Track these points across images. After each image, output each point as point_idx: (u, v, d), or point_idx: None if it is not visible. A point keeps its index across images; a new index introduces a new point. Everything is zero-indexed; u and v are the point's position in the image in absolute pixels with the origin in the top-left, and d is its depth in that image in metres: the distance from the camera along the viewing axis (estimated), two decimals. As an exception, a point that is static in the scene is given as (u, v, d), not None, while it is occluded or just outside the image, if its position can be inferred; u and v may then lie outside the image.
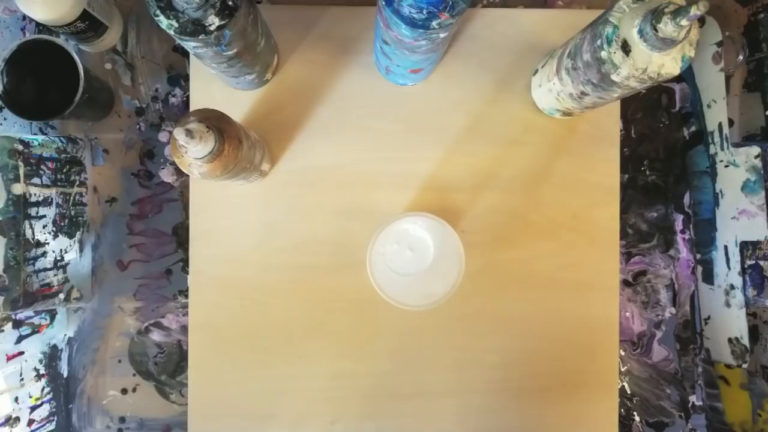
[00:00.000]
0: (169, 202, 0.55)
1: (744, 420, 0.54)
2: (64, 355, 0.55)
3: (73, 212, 0.53)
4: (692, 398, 0.56)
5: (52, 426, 0.54)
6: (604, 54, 0.38)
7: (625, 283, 0.56)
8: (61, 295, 0.52)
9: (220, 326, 0.53)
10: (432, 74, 0.54)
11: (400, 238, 0.46)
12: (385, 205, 0.53)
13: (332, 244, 0.53)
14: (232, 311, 0.53)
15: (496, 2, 0.56)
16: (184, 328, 0.55)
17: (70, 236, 0.53)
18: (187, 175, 0.54)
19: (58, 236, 0.52)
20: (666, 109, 0.57)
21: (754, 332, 0.54)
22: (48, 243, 0.51)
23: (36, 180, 0.49)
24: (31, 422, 0.52)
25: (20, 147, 0.49)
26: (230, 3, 0.37)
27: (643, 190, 0.57)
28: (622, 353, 0.56)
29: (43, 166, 0.50)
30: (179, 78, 0.55)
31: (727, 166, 0.55)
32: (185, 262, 0.55)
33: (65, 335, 0.55)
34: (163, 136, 0.55)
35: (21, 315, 0.52)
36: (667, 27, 0.34)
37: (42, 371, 0.54)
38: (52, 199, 0.51)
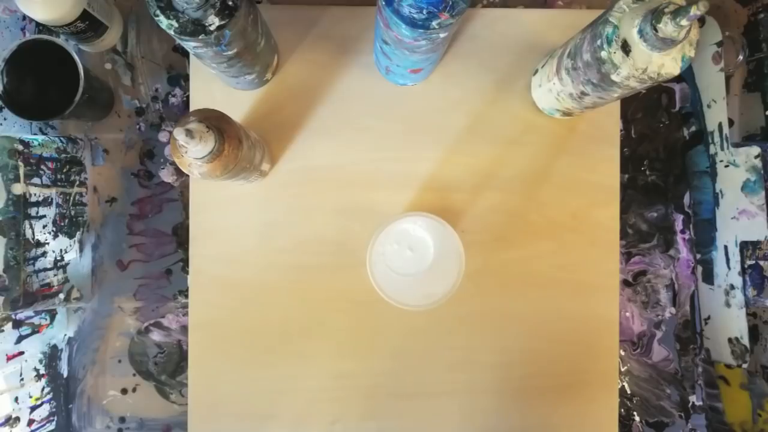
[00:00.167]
0: (169, 202, 0.55)
1: (744, 420, 0.54)
2: (64, 355, 0.55)
3: (73, 212, 0.53)
4: (692, 398, 0.56)
5: (52, 426, 0.54)
6: (604, 54, 0.38)
7: (625, 283, 0.56)
8: (61, 295, 0.52)
9: (220, 326, 0.53)
10: (432, 74, 0.54)
11: (400, 238, 0.46)
12: (385, 205, 0.53)
13: (332, 244, 0.53)
14: (232, 311, 0.53)
15: (496, 2, 0.56)
16: (184, 328, 0.55)
17: (70, 236, 0.53)
18: (187, 175, 0.54)
19: (58, 236, 0.52)
20: (666, 109, 0.57)
21: (754, 332, 0.54)
22: (48, 243, 0.51)
23: (36, 180, 0.49)
24: (31, 422, 0.52)
25: (20, 147, 0.49)
26: (230, 3, 0.37)
27: (643, 190, 0.57)
28: (622, 353, 0.56)
29: (43, 166, 0.50)
30: (179, 78, 0.55)
31: (727, 166, 0.55)
32: (185, 262, 0.55)
33: (65, 335, 0.55)
34: (163, 136, 0.55)
35: (21, 315, 0.52)
36: (667, 27, 0.34)
37: (42, 371, 0.54)
38: (52, 199, 0.51)
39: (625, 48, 0.37)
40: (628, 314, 0.56)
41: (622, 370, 0.56)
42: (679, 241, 0.57)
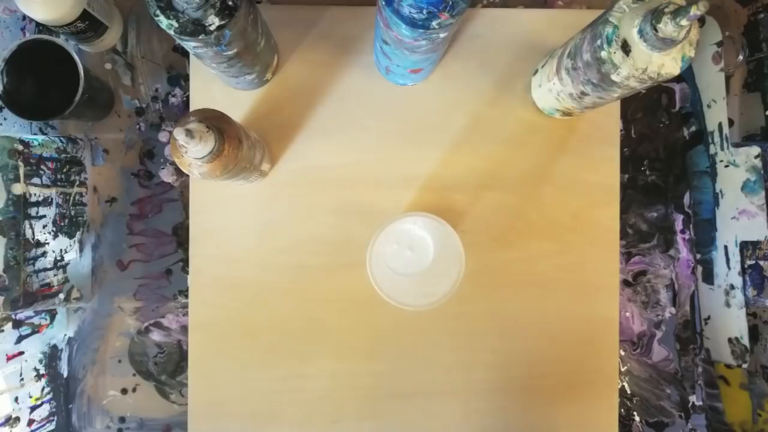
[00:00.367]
0: (169, 202, 0.55)
1: (744, 420, 0.54)
2: (64, 355, 0.55)
3: (73, 212, 0.53)
4: (692, 398, 0.56)
5: (52, 426, 0.54)
6: (604, 54, 0.38)
7: (625, 283, 0.56)
8: (61, 295, 0.52)
9: (220, 326, 0.53)
10: (432, 74, 0.54)
11: (400, 238, 0.46)
12: (385, 205, 0.53)
13: (332, 244, 0.53)
14: (232, 311, 0.53)
15: (496, 2, 0.56)
16: (184, 328, 0.55)
17: (70, 236, 0.53)
18: (187, 175, 0.54)
19: (58, 236, 0.52)
20: (666, 109, 0.57)
21: (754, 332, 0.54)
22: (48, 243, 0.51)
23: (36, 180, 0.49)
24: (31, 422, 0.52)
25: (20, 147, 0.49)
26: (230, 3, 0.37)
27: (643, 190, 0.57)
28: (622, 353, 0.56)
29: (43, 166, 0.50)
30: (179, 78, 0.55)
31: (727, 166, 0.55)
32: (185, 262, 0.55)
33: (65, 335, 0.55)
34: (163, 136, 0.55)
35: (21, 315, 0.52)
36: (667, 27, 0.34)
37: (42, 371, 0.54)
38: (52, 199, 0.51)
39: (625, 48, 0.37)
40: (628, 314, 0.56)
41: (622, 370, 0.56)
42: (679, 241, 0.57)
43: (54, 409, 0.54)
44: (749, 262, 0.53)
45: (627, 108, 0.56)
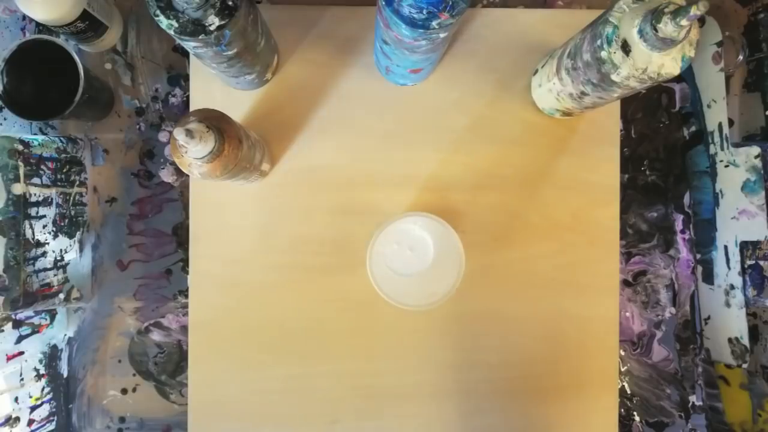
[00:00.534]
0: (169, 202, 0.55)
1: (744, 420, 0.54)
2: (64, 355, 0.55)
3: (73, 212, 0.53)
4: (692, 398, 0.56)
5: (52, 426, 0.54)
6: (604, 54, 0.38)
7: (625, 283, 0.56)
8: (61, 295, 0.52)
9: (220, 326, 0.53)
10: (432, 74, 0.54)
11: (400, 238, 0.46)
12: (385, 205, 0.53)
13: (332, 244, 0.53)
14: (232, 311, 0.53)
15: (496, 2, 0.56)
16: (184, 328, 0.55)
17: (70, 236, 0.53)
18: (187, 175, 0.54)
19: (58, 236, 0.52)
20: (666, 109, 0.57)
21: (754, 332, 0.54)
22: (48, 243, 0.51)
23: (36, 180, 0.49)
24: (31, 422, 0.52)
25: (20, 147, 0.49)
26: (230, 3, 0.37)
27: (643, 190, 0.57)
28: (622, 353, 0.56)
29: (43, 166, 0.50)
30: (179, 78, 0.55)
31: (727, 166, 0.55)
32: (185, 262, 0.55)
33: (65, 335, 0.55)
34: (163, 136, 0.55)
35: (21, 315, 0.52)
36: (667, 27, 0.34)
37: (42, 371, 0.54)
38: (52, 199, 0.51)
39: (625, 48, 0.37)
40: (628, 314, 0.56)
41: (622, 370, 0.56)
42: (679, 241, 0.57)
43: (54, 409, 0.54)
44: (749, 262, 0.53)
45: (627, 108, 0.56)
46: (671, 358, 0.56)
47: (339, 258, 0.53)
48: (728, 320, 0.54)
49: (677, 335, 0.56)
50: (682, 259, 0.57)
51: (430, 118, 0.54)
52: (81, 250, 0.54)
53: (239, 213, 0.53)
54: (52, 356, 0.54)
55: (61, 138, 0.53)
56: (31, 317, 0.53)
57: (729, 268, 0.54)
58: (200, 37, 0.37)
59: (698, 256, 0.57)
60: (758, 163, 0.52)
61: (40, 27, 0.54)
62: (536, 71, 0.52)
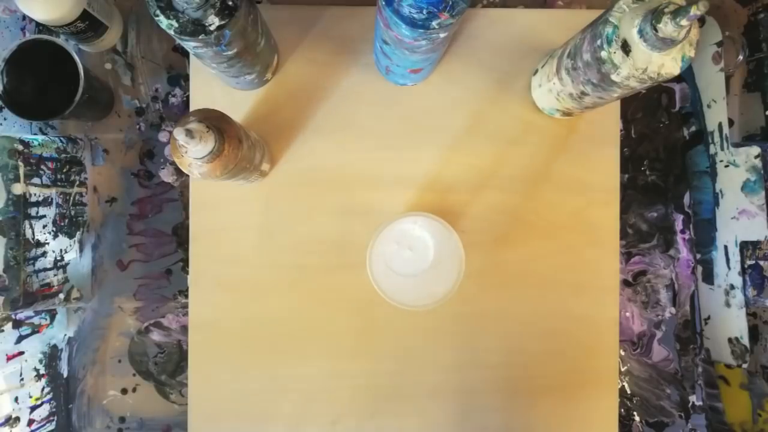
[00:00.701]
0: (169, 202, 0.55)
1: (744, 420, 0.54)
2: (64, 355, 0.55)
3: (73, 212, 0.53)
4: (692, 398, 0.56)
5: (52, 426, 0.54)
6: (604, 54, 0.38)
7: (625, 283, 0.56)
8: (61, 295, 0.52)
9: (220, 326, 0.53)
10: (432, 74, 0.54)
11: (400, 238, 0.46)
12: (385, 205, 0.53)
13: (332, 244, 0.53)
14: (232, 311, 0.53)
15: (496, 2, 0.56)
16: (184, 328, 0.55)
17: (70, 236, 0.53)
18: (187, 175, 0.54)
19: (58, 236, 0.52)
20: (666, 109, 0.57)
21: (754, 332, 0.54)
22: (48, 243, 0.51)
23: (36, 180, 0.49)
24: (31, 422, 0.52)
25: (20, 147, 0.49)
26: (230, 3, 0.37)
27: (643, 190, 0.57)
28: (622, 353, 0.56)
29: (43, 166, 0.50)
30: (179, 78, 0.55)
31: (727, 166, 0.55)
32: (185, 262, 0.55)
33: (65, 335, 0.55)
34: (163, 136, 0.55)
35: (21, 315, 0.52)
36: (667, 27, 0.34)
37: (42, 371, 0.54)
38: (52, 199, 0.51)
39: (625, 48, 0.37)
40: (628, 314, 0.56)
41: (622, 370, 0.56)
42: (679, 241, 0.57)
43: (54, 409, 0.54)
44: (749, 262, 0.53)
45: (627, 108, 0.56)
46: (671, 358, 0.56)
47: (339, 258, 0.53)
48: (728, 320, 0.54)
49: (677, 335, 0.56)
50: (682, 259, 0.57)
51: (430, 118, 0.54)
52: (81, 250, 0.54)
53: (239, 213, 0.53)
54: (52, 356, 0.54)
55: (61, 138, 0.53)
56: (31, 317, 0.53)
57: (729, 268, 0.54)
58: (200, 37, 0.37)
59: (698, 256, 0.57)
60: (758, 163, 0.52)
61: (40, 27, 0.54)
62: (536, 71, 0.52)
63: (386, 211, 0.53)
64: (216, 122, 0.38)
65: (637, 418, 0.56)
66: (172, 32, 0.37)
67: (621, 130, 0.56)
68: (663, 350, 0.56)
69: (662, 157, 0.57)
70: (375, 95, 0.54)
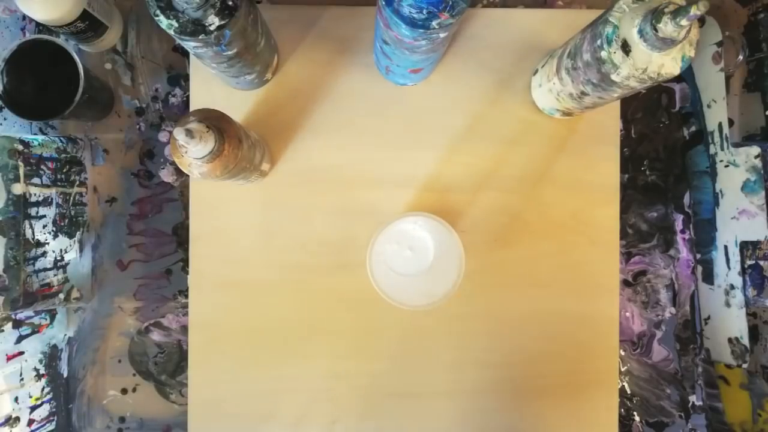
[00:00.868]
0: (169, 202, 0.55)
1: (744, 420, 0.54)
2: (64, 355, 0.55)
3: (73, 212, 0.53)
4: (692, 398, 0.56)
5: (52, 426, 0.54)
6: (604, 54, 0.38)
7: (625, 283, 0.56)
8: (61, 295, 0.52)
9: (220, 326, 0.53)
10: (432, 74, 0.54)
11: (400, 238, 0.46)
12: (385, 205, 0.53)
13: (332, 244, 0.53)
14: (232, 311, 0.53)
15: (496, 2, 0.56)
16: (184, 328, 0.55)
17: (70, 236, 0.53)
18: (187, 175, 0.54)
19: (58, 236, 0.52)
20: (666, 109, 0.57)
21: (754, 332, 0.54)
22: (48, 243, 0.51)
23: (36, 180, 0.49)
24: (31, 422, 0.52)
25: (20, 147, 0.49)
26: (230, 3, 0.37)
27: (643, 190, 0.57)
28: (622, 353, 0.56)
29: (43, 166, 0.50)
30: (179, 78, 0.55)
31: (727, 166, 0.55)
32: (185, 262, 0.55)
33: (65, 335, 0.55)
34: (163, 136, 0.55)
35: (21, 315, 0.52)
36: (667, 27, 0.34)
37: (42, 371, 0.54)
38: (52, 199, 0.51)
39: (625, 48, 0.37)
40: (628, 314, 0.56)
41: (622, 370, 0.56)
42: (679, 241, 0.57)
43: (54, 409, 0.54)
44: (749, 262, 0.53)
45: (627, 108, 0.56)
46: (671, 358, 0.56)
47: (339, 258, 0.53)
48: (728, 320, 0.54)
49: (677, 335, 0.56)
50: (682, 259, 0.57)
51: (430, 118, 0.54)
52: (81, 250, 0.54)
53: (239, 213, 0.53)
54: (52, 356, 0.54)
55: (61, 138, 0.53)
56: (31, 317, 0.53)
57: (729, 268, 0.54)
58: (200, 37, 0.37)
59: (698, 256, 0.57)
60: (758, 163, 0.52)
61: (40, 27, 0.54)
62: (536, 71, 0.52)
63: (386, 211, 0.53)
64: (216, 122, 0.38)
65: (637, 418, 0.56)
66: (172, 32, 0.37)
67: (621, 130, 0.56)
68: (663, 350, 0.56)
69: (662, 157, 0.57)
70: (375, 95, 0.54)
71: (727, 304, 0.54)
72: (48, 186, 0.51)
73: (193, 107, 0.53)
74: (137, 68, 0.55)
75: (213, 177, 0.39)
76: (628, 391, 0.56)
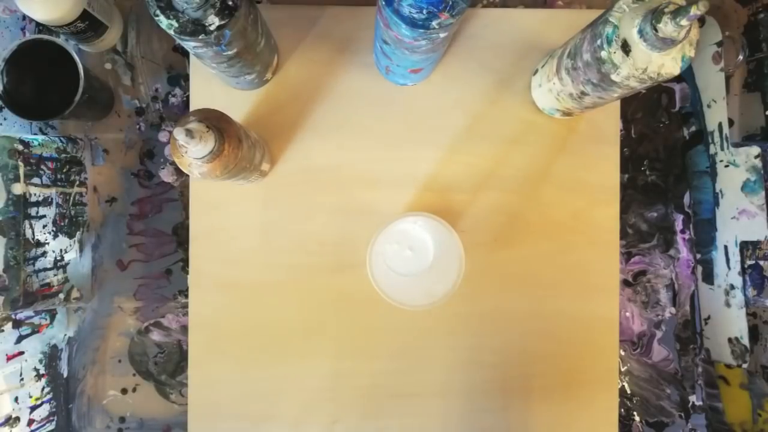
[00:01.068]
0: (169, 202, 0.55)
1: (744, 420, 0.54)
2: (64, 355, 0.55)
3: (73, 212, 0.53)
4: (692, 398, 0.56)
5: (52, 426, 0.54)
6: (604, 54, 0.38)
7: (625, 283, 0.56)
8: (61, 295, 0.52)
9: (220, 326, 0.53)
10: (432, 74, 0.54)
11: (400, 238, 0.46)
12: (385, 205, 0.53)
13: (332, 244, 0.53)
14: (232, 311, 0.53)
15: (496, 2, 0.56)
16: (184, 328, 0.55)
17: (70, 236, 0.53)
18: (187, 175, 0.54)
19: (58, 236, 0.52)
20: (666, 109, 0.57)
21: (754, 332, 0.54)
22: (48, 243, 0.51)
23: (36, 180, 0.49)
24: (31, 422, 0.52)
25: (20, 147, 0.49)
26: (230, 3, 0.37)
27: (643, 190, 0.57)
28: (622, 353, 0.56)
29: (43, 166, 0.50)
30: (179, 78, 0.55)
31: (727, 166, 0.55)
32: (185, 262, 0.55)
33: (65, 335, 0.55)
34: (163, 136, 0.55)
35: (21, 315, 0.52)
36: (667, 27, 0.34)
37: (42, 371, 0.54)
38: (52, 199, 0.51)
39: (625, 48, 0.37)
40: (628, 314, 0.56)
41: (622, 370, 0.56)
42: (679, 241, 0.57)
43: (54, 409, 0.54)
44: (749, 262, 0.53)
45: (627, 108, 0.56)
46: (671, 358, 0.56)
47: (339, 258, 0.53)
48: (728, 320, 0.54)
49: (677, 335, 0.56)
50: (682, 259, 0.57)
51: (430, 118, 0.54)
52: (81, 250, 0.54)
53: (239, 213, 0.53)
54: (52, 356, 0.54)
55: (61, 138, 0.53)
56: (31, 317, 0.53)
57: (729, 268, 0.54)
58: (200, 37, 0.37)
59: (698, 256, 0.57)
60: (758, 163, 0.52)
61: (40, 27, 0.54)
62: (536, 71, 0.52)
63: (386, 211, 0.53)
64: (216, 122, 0.38)
65: (637, 418, 0.56)
66: (172, 32, 0.37)
67: (621, 130, 0.56)
68: (663, 350, 0.56)
69: (662, 157, 0.57)
70: (375, 95, 0.54)
71: (727, 304, 0.54)
72: (48, 186, 0.51)
73: (193, 107, 0.53)
74: (137, 68, 0.55)
75: (213, 177, 0.39)
76: (628, 391, 0.56)
